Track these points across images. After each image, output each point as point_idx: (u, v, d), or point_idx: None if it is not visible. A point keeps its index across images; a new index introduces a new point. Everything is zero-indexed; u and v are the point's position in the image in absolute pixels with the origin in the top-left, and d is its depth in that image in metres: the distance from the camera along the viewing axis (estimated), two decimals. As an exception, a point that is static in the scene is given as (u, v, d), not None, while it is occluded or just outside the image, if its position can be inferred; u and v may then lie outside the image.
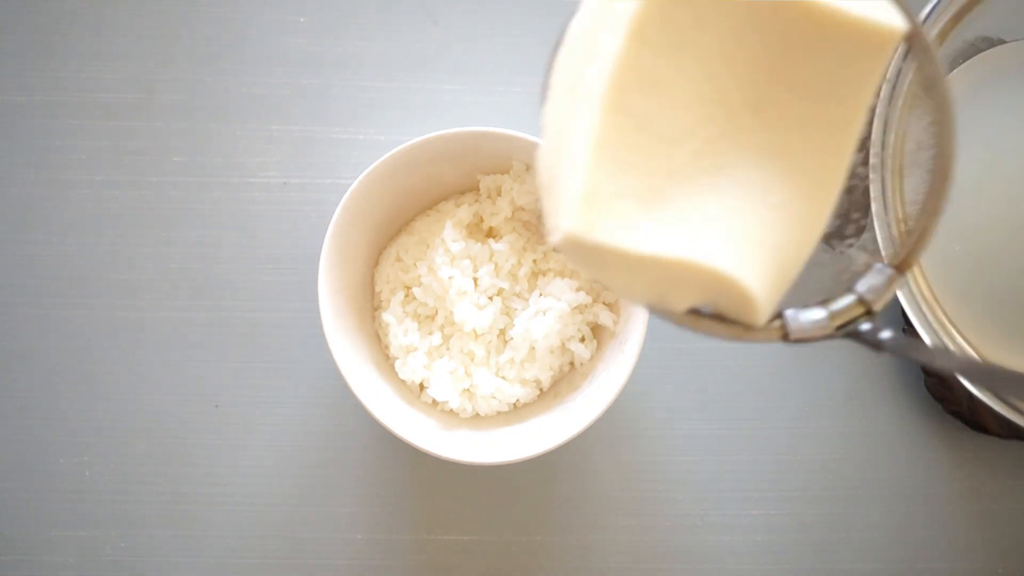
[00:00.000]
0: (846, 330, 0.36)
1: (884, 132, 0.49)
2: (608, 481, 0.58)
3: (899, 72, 0.49)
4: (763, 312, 0.34)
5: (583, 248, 0.33)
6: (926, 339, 0.49)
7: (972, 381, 0.34)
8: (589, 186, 0.33)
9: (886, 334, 0.35)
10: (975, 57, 0.54)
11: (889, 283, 0.36)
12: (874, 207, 0.49)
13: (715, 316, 0.36)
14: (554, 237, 0.34)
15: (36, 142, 0.58)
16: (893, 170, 0.49)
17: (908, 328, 0.57)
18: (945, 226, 0.54)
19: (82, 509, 0.57)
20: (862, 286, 0.36)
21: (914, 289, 0.49)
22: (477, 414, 0.55)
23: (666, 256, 0.33)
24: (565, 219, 0.32)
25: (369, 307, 0.56)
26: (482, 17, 0.59)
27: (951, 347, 0.49)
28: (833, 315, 0.36)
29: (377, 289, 0.56)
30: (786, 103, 0.35)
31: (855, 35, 0.34)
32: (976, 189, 0.54)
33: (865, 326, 0.36)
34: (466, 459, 0.51)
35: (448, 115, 0.59)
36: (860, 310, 0.36)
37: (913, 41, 0.36)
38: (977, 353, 0.48)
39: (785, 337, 0.36)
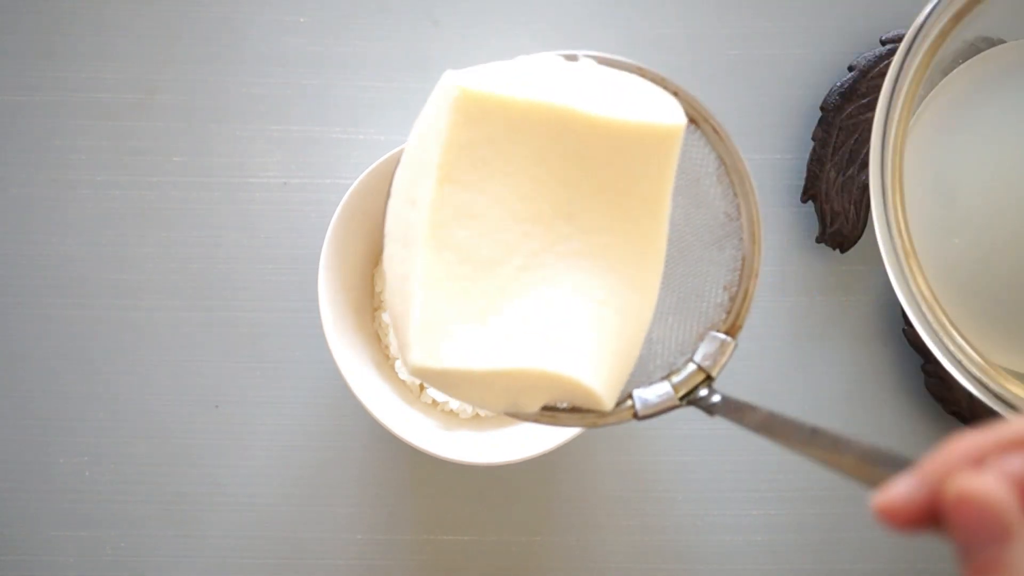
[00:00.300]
0: (689, 398, 0.40)
1: (884, 134, 0.49)
2: (608, 481, 0.58)
3: (898, 74, 0.49)
4: (607, 399, 0.38)
5: (432, 374, 0.37)
6: (926, 339, 0.49)
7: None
8: (424, 320, 0.37)
9: (715, 398, 0.39)
10: (975, 57, 0.54)
11: (723, 348, 0.40)
12: (875, 212, 0.49)
13: (571, 409, 0.40)
14: (405, 371, 0.38)
15: (36, 142, 0.58)
16: (893, 175, 0.49)
17: (908, 328, 0.57)
18: (945, 226, 0.55)
19: (82, 509, 0.57)
20: (699, 355, 0.40)
21: (914, 289, 0.49)
22: (477, 414, 0.55)
23: (504, 368, 0.37)
24: (410, 353, 0.36)
25: (369, 307, 0.56)
26: (482, 17, 0.59)
27: (951, 347, 0.49)
28: (677, 386, 0.40)
29: (377, 289, 0.56)
30: (595, 207, 0.39)
31: (639, 138, 0.38)
32: (976, 189, 0.54)
33: (704, 391, 0.39)
34: (466, 459, 0.51)
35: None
36: (700, 377, 0.40)
37: (702, 128, 0.40)
38: (977, 353, 0.48)
39: (636, 416, 0.39)
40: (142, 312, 0.58)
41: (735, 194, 0.41)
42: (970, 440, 0.25)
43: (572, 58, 0.41)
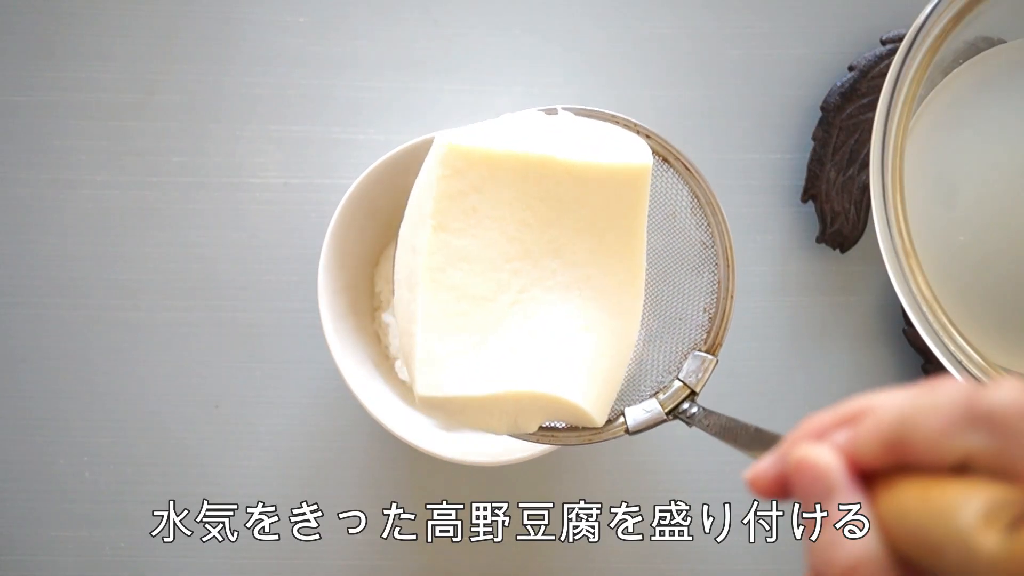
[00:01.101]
0: (675, 412, 0.44)
1: (884, 134, 0.49)
2: (608, 481, 0.58)
3: (898, 74, 0.49)
4: (597, 416, 0.43)
5: (437, 404, 0.41)
6: (926, 339, 0.49)
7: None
8: (425, 356, 0.41)
9: (694, 410, 0.44)
10: (975, 57, 0.54)
11: (705, 366, 0.45)
12: (875, 212, 0.49)
13: (568, 427, 0.44)
14: (417, 404, 0.42)
15: (36, 142, 0.58)
16: (893, 175, 0.49)
17: (908, 328, 0.57)
18: (945, 226, 0.55)
19: (82, 509, 0.57)
20: (683, 372, 0.45)
21: (914, 289, 0.49)
22: (477, 414, 0.55)
23: (500, 392, 0.41)
24: (416, 386, 0.41)
25: (369, 307, 0.56)
26: (482, 17, 0.59)
27: (951, 347, 0.49)
28: (664, 403, 0.45)
29: (377, 289, 0.56)
30: (578, 243, 0.44)
31: (612, 177, 0.42)
32: (976, 189, 0.54)
33: (687, 405, 0.44)
34: (466, 459, 0.51)
35: (448, 115, 0.59)
36: (685, 392, 0.44)
37: (674, 166, 0.45)
38: (977, 353, 0.48)
39: (627, 431, 0.44)
40: (142, 312, 0.58)
41: (708, 224, 0.45)
42: (816, 420, 0.31)
43: (552, 112, 0.45)
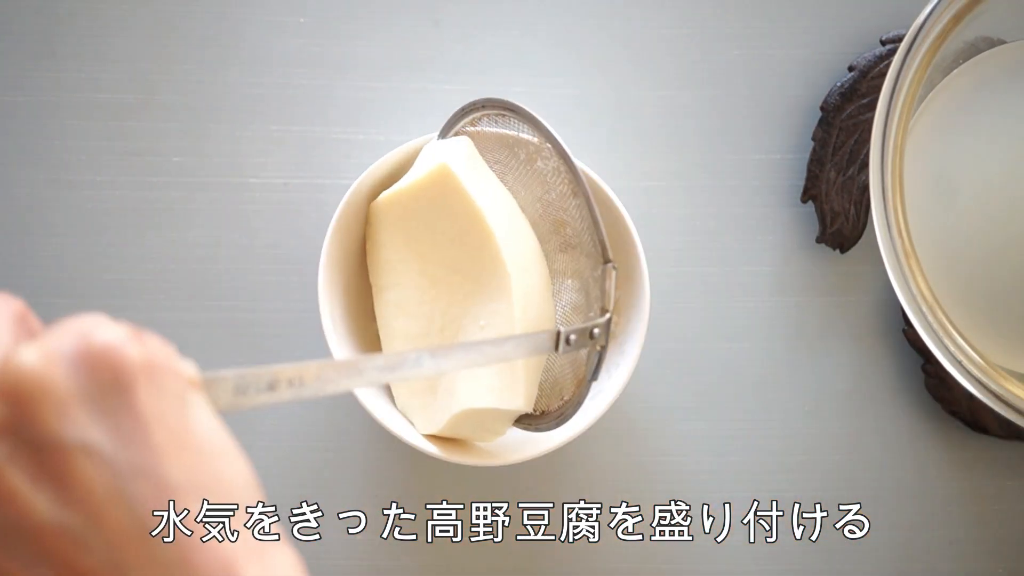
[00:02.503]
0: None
1: (884, 134, 0.49)
2: (608, 481, 0.58)
3: (898, 74, 0.49)
4: (523, 406, 0.50)
5: (431, 440, 0.51)
6: (926, 339, 0.49)
7: None
8: (402, 406, 0.53)
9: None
10: (975, 57, 0.54)
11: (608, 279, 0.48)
12: (875, 212, 0.49)
13: (526, 416, 0.51)
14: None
15: (36, 142, 0.58)
16: (893, 175, 0.49)
17: (908, 328, 0.57)
18: (945, 226, 0.55)
19: (82, 509, 0.57)
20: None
21: (914, 289, 0.49)
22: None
23: (450, 420, 0.50)
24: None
25: (369, 307, 0.56)
26: (482, 17, 0.59)
27: (951, 347, 0.49)
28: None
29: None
30: (456, 252, 0.51)
31: (433, 185, 0.50)
32: (976, 189, 0.54)
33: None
34: (466, 459, 0.51)
35: (448, 115, 0.59)
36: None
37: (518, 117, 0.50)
38: (977, 354, 0.48)
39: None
40: (142, 312, 0.58)
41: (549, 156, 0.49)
42: None
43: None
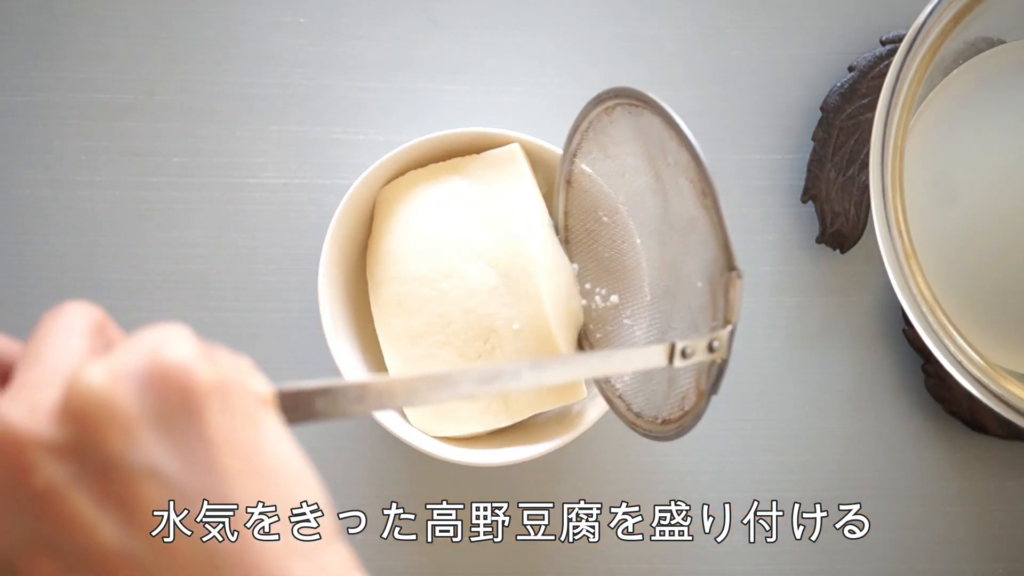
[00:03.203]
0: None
1: (884, 134, 0.49)
2: (608, 481, 0.58)
3: (898, 74, 0.49)
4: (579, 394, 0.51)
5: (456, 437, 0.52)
6: (926, 339, 0.49)
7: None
8: (411, 415, 0.53)
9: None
10: (975, 57, 0.54)
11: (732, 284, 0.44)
12: (875, 212, 0.49)
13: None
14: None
15: (36, 142, 0.58)
16: (893, 175, 0.49)
17: (908, 328, 0.57)
18: (945, 226, 0.55)
19: (82, 509, 0.57)
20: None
21: (914, 289, 0.49)
22: (477, 414, 0.55)
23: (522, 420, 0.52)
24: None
25: (369, 308, 0.56)
26: (482, 17, 0.59)
27: (951, 347, 0.49)
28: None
29: (377, 289, 0.56)
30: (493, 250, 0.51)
31: (495, 163, 0.52)
32: (976, 189, 0.55)
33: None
34: (466, 459, 0.51)
35: (448, 115, 0.59)
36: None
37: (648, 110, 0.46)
38: (977, 354, 0.48)
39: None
40: (142, 312, 0.58)
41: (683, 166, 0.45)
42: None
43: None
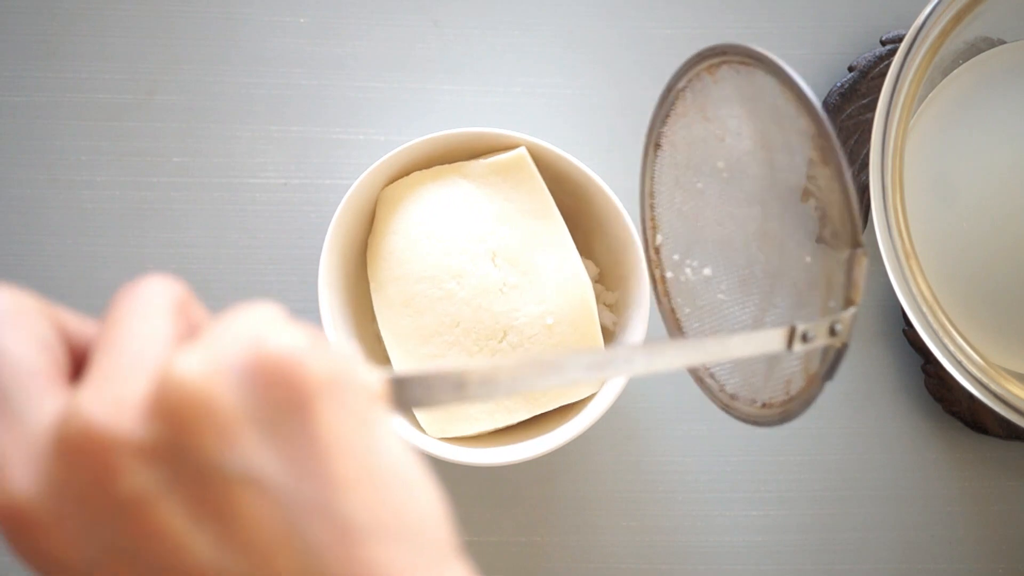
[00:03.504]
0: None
1: (884, 134, 0.49)
2: (608, 481, 0.58)
3: (898, 74, 0.49)
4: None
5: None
6: (926, 339, 0.49)
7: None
8: (423, 418, 0.53)
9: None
10: (975, 58, 0.54)
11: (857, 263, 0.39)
12: (875, 212, 0.49)
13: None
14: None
15: (36, 142, 0.58)
16: (893, 175, 0.49)
17: (908, 328, 0.57)
18: (945, 226, 0.55)
19: (82, 509, 0.57)
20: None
21: (914, 289, 0.49)
22: (477, 414, 0.55)
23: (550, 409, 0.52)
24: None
25: (369, 308, 0.56)
26: (482, 17, 0.59)
27: (951, 347, 0.49)
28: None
29: (377, 289, 0.56)
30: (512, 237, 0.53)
31: (506, 169, 0.53)
32: (976, 190, 0.55)
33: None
34: (466, 459, 0.51)
35: (448, 115, 0.59)
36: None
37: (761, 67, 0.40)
38: (977, 354, 0.48)
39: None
40: (142, 312, 0.58)
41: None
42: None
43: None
